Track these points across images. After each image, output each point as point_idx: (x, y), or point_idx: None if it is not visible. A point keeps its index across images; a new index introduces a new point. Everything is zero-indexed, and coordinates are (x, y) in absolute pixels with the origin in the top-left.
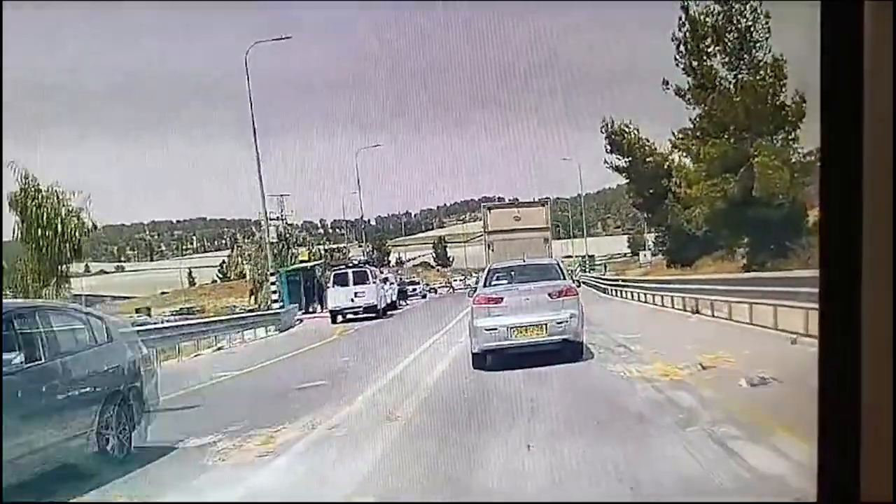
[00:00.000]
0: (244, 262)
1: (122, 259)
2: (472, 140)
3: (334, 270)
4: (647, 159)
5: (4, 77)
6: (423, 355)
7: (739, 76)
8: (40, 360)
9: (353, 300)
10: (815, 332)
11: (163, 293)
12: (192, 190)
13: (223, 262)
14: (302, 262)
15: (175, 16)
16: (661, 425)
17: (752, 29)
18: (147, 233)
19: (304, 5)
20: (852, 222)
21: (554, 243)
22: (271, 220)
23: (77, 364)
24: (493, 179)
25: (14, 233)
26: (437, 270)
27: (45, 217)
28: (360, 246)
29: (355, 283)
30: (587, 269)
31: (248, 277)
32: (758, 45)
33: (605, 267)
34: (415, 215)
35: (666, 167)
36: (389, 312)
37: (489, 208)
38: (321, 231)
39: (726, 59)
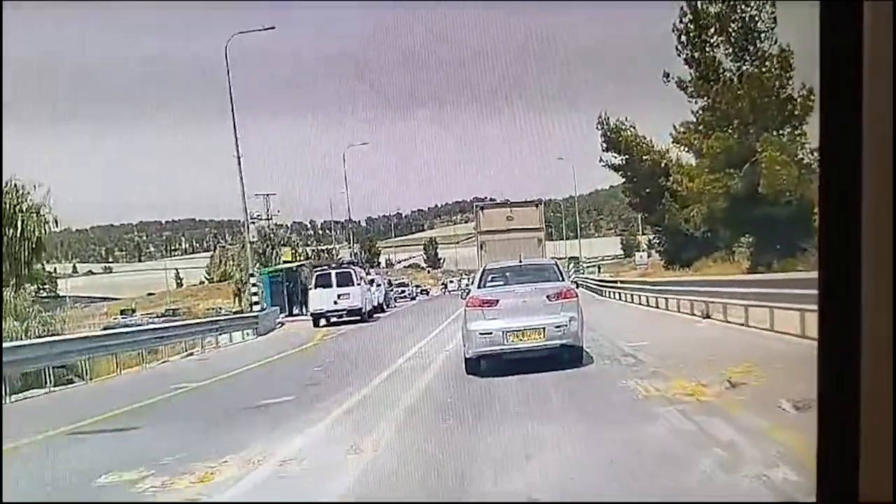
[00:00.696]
0: (227, 263)
1: (111, 260)
2: (463, 140)
3: (316, 271)
4: (644, 157)
5: None
6: (405, 365)
7: (744, 67)
8: None
9: (336, 303)
10: None
11: (150, 294)
12: (182, 190)
13: (209, 263)
14: (285, 262)
15: (169, 16)
16: (701, 470)
17: (756, 19)
18: (136, 233)
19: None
20: (851, 222)
21: (546, 244)
22: (258, 219)
23: None
24: (483, 181)
25: None
26: (428, 272)
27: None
28: (349, 247)
29: (339, 285)
30: (573, 273)
31: (235, 279)
32: (763, 35)
33: (599, 269)
34: (405, 216)
35: (663, 165)
36: (376, 315)
37: (481, 208)
38: (311, 232)
39: (730, 50)
